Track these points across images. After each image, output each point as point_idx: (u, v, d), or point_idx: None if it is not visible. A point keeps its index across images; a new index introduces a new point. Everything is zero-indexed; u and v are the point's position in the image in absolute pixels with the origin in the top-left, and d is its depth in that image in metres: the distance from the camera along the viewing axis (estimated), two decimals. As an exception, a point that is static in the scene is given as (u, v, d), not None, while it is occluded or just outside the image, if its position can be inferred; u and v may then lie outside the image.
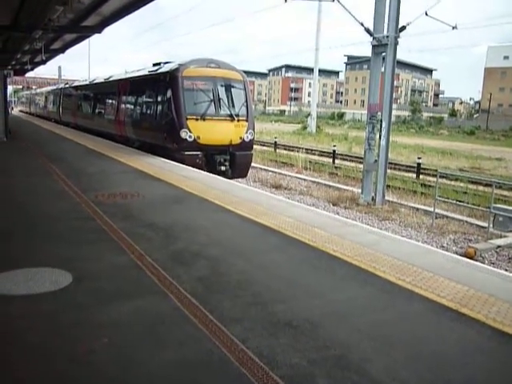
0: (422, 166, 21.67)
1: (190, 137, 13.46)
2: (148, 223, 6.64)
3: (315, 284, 4.58)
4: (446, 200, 13.39)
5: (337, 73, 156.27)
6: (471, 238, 10.58)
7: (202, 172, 12.04)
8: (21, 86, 73.78)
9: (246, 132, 14.33)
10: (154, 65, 17.31)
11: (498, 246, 9.81)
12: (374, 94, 13.13)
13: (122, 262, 5.02)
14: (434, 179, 14.76)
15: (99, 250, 5.45)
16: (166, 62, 16.08)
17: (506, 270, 8.19)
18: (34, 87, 60.22)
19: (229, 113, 14.14)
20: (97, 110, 23.25)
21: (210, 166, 13.73)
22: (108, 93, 21.46)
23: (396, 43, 12.57)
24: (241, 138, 14.20)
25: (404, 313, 4.02)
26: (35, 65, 30.41)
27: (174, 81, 13.87)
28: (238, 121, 14.21)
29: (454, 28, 14.14)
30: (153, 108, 15.85)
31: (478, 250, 9.43)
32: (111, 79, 21.42)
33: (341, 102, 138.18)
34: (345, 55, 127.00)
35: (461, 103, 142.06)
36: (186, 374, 3.02)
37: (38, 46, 17.23)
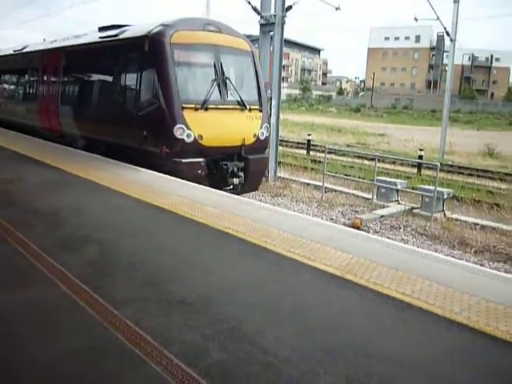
0: (312, 142, 22.50)
1: (188, 136, 9.20)
2: (32, 209, 6.28)
3: (208, 261, 4.63)
4: (335, 175, 14.07)
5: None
6: (358, 210, 11.22)
7: (82, 152, 10.63)
8: None
9: (261, 127, 10.40)
10: (101, 29, 12.54)
11: (382, 216, 10.53)
12: (264, 72, 13.32)
13: (3, 251, 4.73)
14: (324, 155, 15.42)
15: (-23, 240, 5.08)
16: (121, 26, 11.61)
17: (388, 238, 8.83)
18: None
19: (238, 99, 10.01)
20: (5, 94, 17.63)
21: (217, 177, 9.73)
22: (25, 69, 15.74)
23: (283, 22, 12.86)
24: (255, 135, 10.24)
25: (294, 284, 4.19)
26: None
27: (159, 49, 9.34)
28: (250, 110, 10.19)
29: (337, 9, 14.76)
30: (118, 92, 10.59)
31: (363, 221, 10.05)
32: (28, 50, 15.76)
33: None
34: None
35: (347, 82, 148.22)
36: (77, 360, 2.94)
37: None
